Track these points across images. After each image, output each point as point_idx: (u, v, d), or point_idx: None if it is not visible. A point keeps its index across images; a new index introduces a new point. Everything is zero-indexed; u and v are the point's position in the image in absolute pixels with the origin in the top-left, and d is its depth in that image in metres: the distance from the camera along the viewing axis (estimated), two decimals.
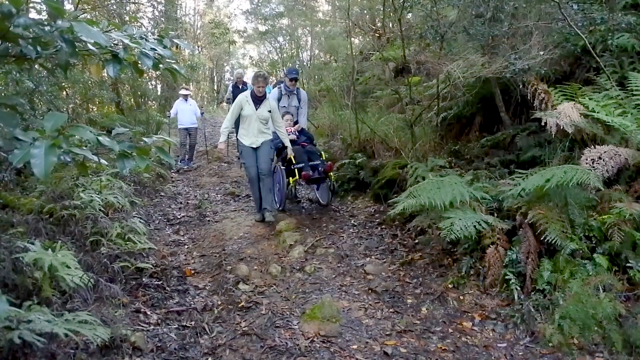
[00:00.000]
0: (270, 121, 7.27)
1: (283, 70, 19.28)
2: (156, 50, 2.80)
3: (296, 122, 8.54)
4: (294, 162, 7.60)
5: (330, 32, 16.43)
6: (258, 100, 7.11)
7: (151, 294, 4.87)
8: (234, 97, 9.80)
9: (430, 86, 8.26)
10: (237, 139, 7.38)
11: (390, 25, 12.85)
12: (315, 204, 8.38)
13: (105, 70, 2.67)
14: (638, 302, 3.87)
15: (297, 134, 8.25)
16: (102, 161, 2.73)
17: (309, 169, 7.52)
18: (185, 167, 12.04)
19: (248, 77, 13.66)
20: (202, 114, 12.98)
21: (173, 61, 3.00)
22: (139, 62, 2.72)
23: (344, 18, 13.49)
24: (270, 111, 7.16)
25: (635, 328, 3.60)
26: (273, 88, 9.99)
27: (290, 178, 7.67)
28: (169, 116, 12.45)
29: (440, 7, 7.32)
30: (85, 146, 2.64)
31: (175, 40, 3.18)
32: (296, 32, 18.48)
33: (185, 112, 12.09)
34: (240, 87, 12.13)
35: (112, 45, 2.65)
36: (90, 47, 2.55)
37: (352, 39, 14.47)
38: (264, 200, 7.26)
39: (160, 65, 2.89)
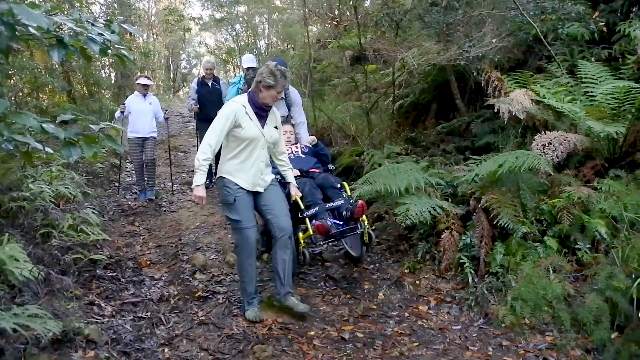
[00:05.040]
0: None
1: (241, 58, 19.08)
2: (104, 35, 2.72)
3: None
4: (301, 206, 4.78)
5: (287, 20, 16.34)
6: (263, 111, 4.26)
7: (105, 285, 4.76)
8: (202, 101, 8.21)
9: (387, 74, 8.29)
10: (223, 178, 4.23)
11: (348, 13, 12.84)
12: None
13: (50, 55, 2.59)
14: (585, 282, 4.00)
15: (302, 154, 5.48)
16: (48, 149, 2.64)
17: (327, 216, 4.67)
18: (147, 200, 8.21)
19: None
20: (166, 119, 8.56)
21: (122, 47, 2.93)
22: (86, 47, 2.64)
23: (300, 5, 13.41)
24: (276, 127, 4.41)
25: (582, 307, 3.72)
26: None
27: (300, 233, 4.78)
28: (119, 118, 7.96)
29: None
30: (30, 134, 2.55)
31: (124, 26, 3.08)
32: (253, 20, 18.31)
33: (143, 114, 7.99)
34: (210, 83, 8.35)
35: (57, 29, 2.56)
36: (33, 31, 2.46)
37: (309, 26, 14.40)
38: (286, 279, 4.31)
39: (109, 51, 2.81)
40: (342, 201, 4.80)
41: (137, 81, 8.21)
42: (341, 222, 4.73)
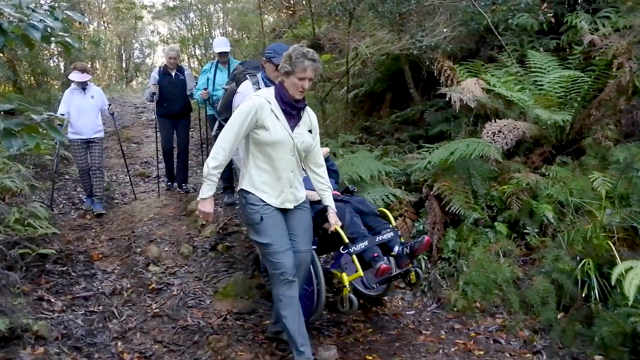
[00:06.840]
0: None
1: (195, 47, 18.75)
2: (45, 22, 2.63)
3: None
4: (345, 239, 3.63)
5: (242, 9, 16.13)
6: (294, 108, 3.34)
7: (55, 280, 4.67)
8: (164, 94, 7.11)
9: (341, 63, 8.31)
10: (245, 192, 3.33)
11: (303, 2, 12.79)
12: None
13: None
14: (534, 265, 4.12)
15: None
16: None
17: (380, 252, 3.70)
18: (95, 209, 6.91)
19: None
20: (112, 114, 7.26)
21: (67, 34, 2.83)
22: (27, 34, 2.55)
23: None
24: (311, 131, 3.48)
25: (530, 289, 3.84)
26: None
27: (345, 275, 3.67)
28: (62, 114, 6.47)
29: None
30: None
31: (68, 13, 2.97)
32: (207, 8, 18.01)
33: (85, 111, 6.64)
34: (174, 74, 7.15)
35: None
36: None
37: (265, 15, 14.30)
38: (299, 334, 3.26)
39: (52, 39, 2.72)
40: (392, 233, 3.86)
41: (70, 75, 6.76)
42: (402, 269, 3.89)
